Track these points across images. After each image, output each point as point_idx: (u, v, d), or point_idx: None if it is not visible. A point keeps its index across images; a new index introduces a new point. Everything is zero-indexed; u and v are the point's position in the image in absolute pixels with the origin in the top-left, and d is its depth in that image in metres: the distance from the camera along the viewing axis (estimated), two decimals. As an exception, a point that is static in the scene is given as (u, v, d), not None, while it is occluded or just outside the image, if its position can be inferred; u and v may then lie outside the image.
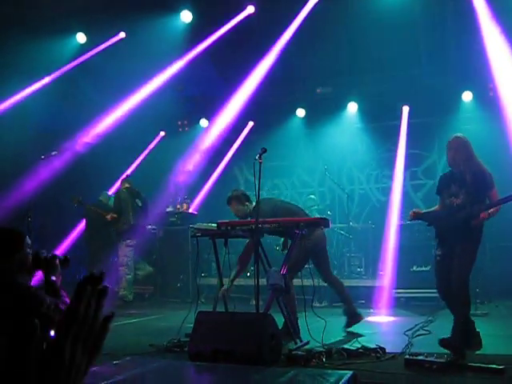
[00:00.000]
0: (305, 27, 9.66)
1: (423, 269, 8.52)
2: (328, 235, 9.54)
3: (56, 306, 3.38)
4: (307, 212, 9.30)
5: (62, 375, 1.12)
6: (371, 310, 7.96)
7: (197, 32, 9.97)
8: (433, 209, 5.55)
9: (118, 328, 7.14)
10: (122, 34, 10.21)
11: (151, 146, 12.90)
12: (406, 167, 11.00)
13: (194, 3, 9.61)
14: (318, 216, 8.37)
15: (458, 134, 5.38)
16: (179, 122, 12.69)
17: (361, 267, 9.65)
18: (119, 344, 5.72)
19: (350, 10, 9.19)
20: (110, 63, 10.35)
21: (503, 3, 8.88)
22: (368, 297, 8.61)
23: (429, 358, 4.23)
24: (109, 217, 9.07)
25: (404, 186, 10.94)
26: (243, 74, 10.66)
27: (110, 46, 10.25)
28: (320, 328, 5.27)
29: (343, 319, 6.46)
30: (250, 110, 11.23)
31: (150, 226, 10.69)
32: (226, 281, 5.93)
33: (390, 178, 11.11)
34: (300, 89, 11.47)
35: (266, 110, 11.56)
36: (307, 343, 5.22)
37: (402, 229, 8.95)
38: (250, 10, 9.65)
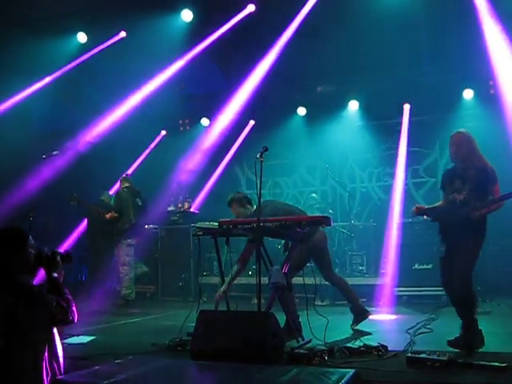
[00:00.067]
0: (306, 26, 9.64)
1: (425, 267, 8.51)
2: (330, 233, 9.57)
3: (58, 303, 3.39)
4: (309, 211, 9.33)
5: None
6: (373, 309, 7.95)
7: (197, 31, 9.97)
8: (437, 204, 5.53)
9: (119, 327, 7.16)
10: (123, 34, 10.20)
11: (152, 145, 12.90)
12: (408, 165, 10.99)
13: (194, 2, 9.60)
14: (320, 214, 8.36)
15: (461, 130, 5.37)
16: (180, 121, 12.69)
17: (362, 265, 9.64)
18: (121, 343, 5.75)
19: (350, 8, 9.17)
20: (111, 62, 10.37)
21: (504, 1, 8.87)
22: (370, 295, 8.60)
23: (431, 356, 4.23)
24: (108, 215, 9.06)
25: (405, 183, 10.94)
26: (244, 72, 10.64)
27: (110, 45, 10.25)
28: (322, 326, 5.27)
29: (345, 317, 6.47)
30: (251, 109, 11.22)
31: (151, 226, 10.71)
32: (227, 279, 5.92)
33: (392, 176, 11.10)
34: (301, 87, 11.46)
35: (267, 109, 11.55)
36: (309, 341, 5.22)
37: (404, 227, 8.94)
38: (251, 8, 9.63)
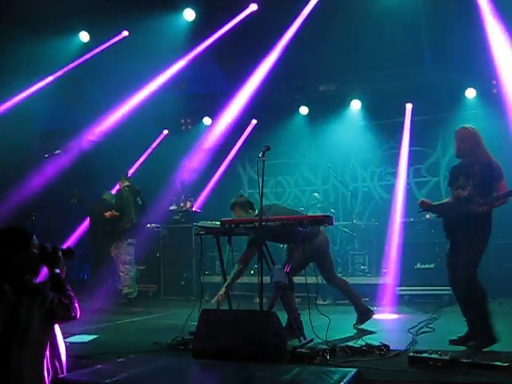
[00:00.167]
0: (308, 25, 9.63)
1: (427, 266, 8.52)
2: (332, 233, 9.61)
3: (59, 301, 3.39)
4: (311, 210, 9.34)
5: None
6: (375, 308, 7.95)
7: (200, 30, 9.96)
8: (445, 200, 5.51)
9: (121, 326, 7.17)
10: (125, 33, 10.20)
11: (154, 144, 12.90)
12: (410, 164, 10.99)
13: (196, 1, 9.60)
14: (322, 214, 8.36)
15: (466, 125, 5.36)
16: (182, 120, 12.68)
17: (364, 265, 9.64)
18: (123, 342, 5.75)
19: (352, 7, 9.17)
20: (114, 62, 10.37)
21: (506, 0, 8.85)
22: (372, 294, 8.60)
23: (433, 356, 4.23)
24: (107, 214, 9.05)
25: (407, 183, 10.94)
26: (246, 71, 10.64)
27: (113, 44, 10.25)
28: (324, 326, 5.27)
29: (347, 316, 6.47)
30: (253, 108, 11.22)
31: (153, 225, 10.72)
32: (229, 278, 5.92)
33: (394, 175, 11.10)
34: (303, 86, 11.46)
35: (269, 108, 11.55)
36: (311, 341, 5.22)
37: (406, 226, 8.95)
38: (253, 7, 9.63)
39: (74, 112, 11.58)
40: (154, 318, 7.92)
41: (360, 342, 5.05)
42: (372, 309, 6.55)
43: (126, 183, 9.32)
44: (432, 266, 8.44)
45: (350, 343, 5.09)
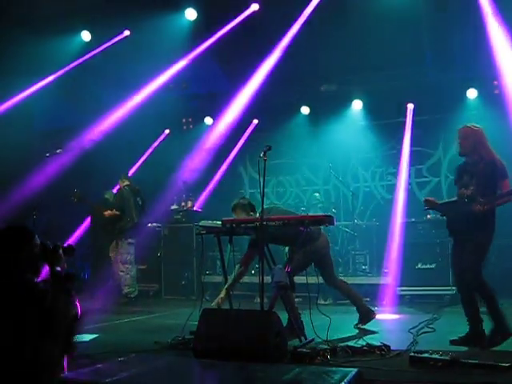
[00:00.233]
0: (309, 25, 9.63)
1: (428, 266, 8.52)
2: (333, 233, 9.61)
3: (60, 299, 3.38)
4: (312, 210, 9.33)
5: None
6: (376, 308, 7.95)
7: (201, 30, 9.97)
8: (452, 199, 5.50)
9: (122, 325, 7.17)
10: (127, 32, 10.21)
11: (156, 143, 12.90)
12: (411, 165, 10.98)
13: (198, 1, 9.60)
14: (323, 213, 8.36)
15: (469, 124, 5.35)
16: (184, 120, 12.68)
17: (365, 265, 9.64)
18: (124, 341, 5.75)
19: (353, 7, 9.16)
20: (115, 61, 10.37)
21: (508, 0, 8.84)
22: (373, 294, 8.60)
23: (433, 356, 4.23)
24: (107, 213, 9.05)
25: (409, 183, 10.93)
26: (248, 71, 10.64)
27: (114, 43, 10.25)
28: (325, 325, 5.27)
29: (348, 316, 6.47)
30: (254, 108, 11.21)
31: (154, 224, 10.72)
32: (230, 278, 5.92)
33: (395, 175, 11.09)
34: (304, 86, 11.45)
35: (270, 108, 11.55)
36: (312, 341, 5.22)
37: (407, 226, 8.95)
38: (255, 7, 9.63)
39: (75, 111, 11.59)
40: (154, 318, 7.92)
41: (361, 342, 5.05)
42: (373, 309, 6.55)
43: (126, 182, 9.32)
44: (433, 266, 8.44)
45: (350, 343, 5.09)
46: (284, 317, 5.20)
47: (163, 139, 12.93)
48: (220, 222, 5.68)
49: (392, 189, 11.01)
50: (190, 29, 9.82)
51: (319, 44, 10.00)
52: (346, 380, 3.49)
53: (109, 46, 10.27)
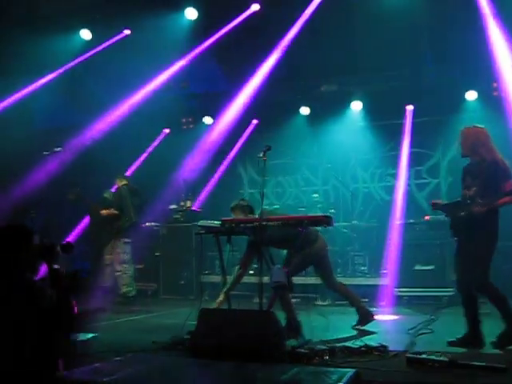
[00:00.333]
0: (309, 25, 9.64)
1: (426, 268, 8.53)
2: (332, 234, 9.58)
3: (58, 297, 3.39)
4: (311, 211, 9.32)
5: None
6: (374, 309, 7.96)
7: (201, 29, 9.97)
8: (456, 200, 5.48)
9: (120, 325, 7.17)
10: (127, 31, 10.21)
11: (155, 142, 12.89)
12: (410, 166, 10.98)
13: (198, 0, 9.61)
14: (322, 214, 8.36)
15: (470, 125, 5.35)
16: (183, 120, 12.66)
17: (364, 266, 9.63)
18: (122, 341, 5.75)
19: (354, 8, 9.17)
20: (115, 60, 10.36)
21: (508, 2, 8.85)
22: (371, 295, 8.60)
23: (431, 357, 4.23)
24: (104, 212, 9.04)
25: (408, 184, 10.93)
26: (248, 71, 10.63)
27: (114, 42, 10.26)
28: (323, 326, 5.28)
29: (346, 317, 6.47)
30: (254, 108, 11.20)
31: (152, 223, 10.71)
32: (229, 278, 5.92)
33: (394, 176, 11.09)
34: (304, 87, 11.44)
35: (270, 108, 11.53)
36: (310, 341, 5.22)
37: (406, 227, 8.95)
38: (255, 7, 9.63)
39: (75, 110, 11.58)
40: (152, 317, 7.92)
41: (359, 343, 5.05)
42: (371, 310, 6.55)
43: (124, 182, 9.32)
44: (431, 267, 8.44)
45: (348, 344, 5.09)
46: (282, 317, 5.20)
47: (163, 138, 12.92)
48: (219, 222, 5.68)
49: (391, 190, 11.00)
50: (191, 28, 9.83)
51: (319, 44, 10.00)
52: (343, 380, 3.49)
53: (109, 45, 10.27)
